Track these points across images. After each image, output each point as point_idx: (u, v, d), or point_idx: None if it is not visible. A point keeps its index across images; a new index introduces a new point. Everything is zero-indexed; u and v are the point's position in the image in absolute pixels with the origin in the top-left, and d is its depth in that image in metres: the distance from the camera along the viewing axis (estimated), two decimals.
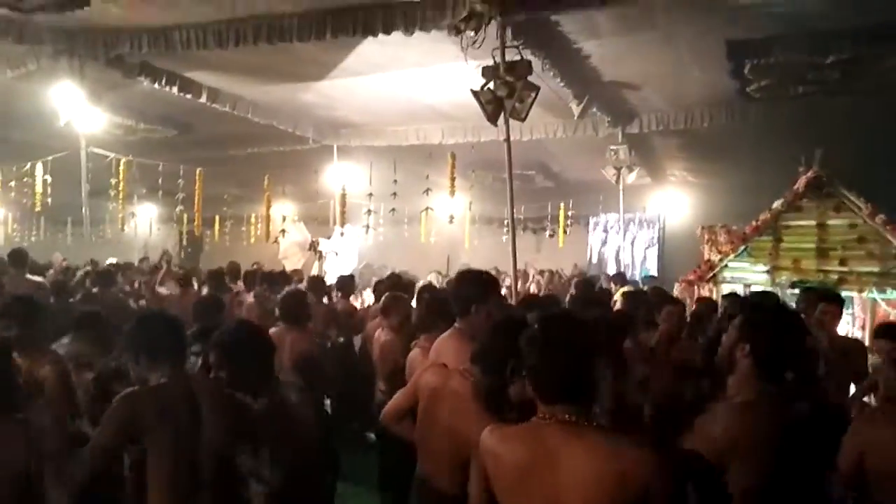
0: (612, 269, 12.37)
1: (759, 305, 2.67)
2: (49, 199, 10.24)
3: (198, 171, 10.68)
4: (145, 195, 13.23)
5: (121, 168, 9.82)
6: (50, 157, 9.80)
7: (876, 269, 6.86)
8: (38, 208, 10.45)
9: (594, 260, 13.51)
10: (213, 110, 8.61)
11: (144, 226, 15.13)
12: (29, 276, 6.36)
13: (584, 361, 1.74)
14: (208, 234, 14.83)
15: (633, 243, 12.94)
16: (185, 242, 16.01)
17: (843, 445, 2.63)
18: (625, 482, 1.61)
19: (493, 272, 10.69)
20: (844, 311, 6.82)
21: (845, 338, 5.03)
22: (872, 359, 4.54)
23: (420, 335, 3.81)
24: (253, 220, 14.58)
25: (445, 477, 2.52)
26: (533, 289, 10.11)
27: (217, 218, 14.31)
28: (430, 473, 2.65)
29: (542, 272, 11.26)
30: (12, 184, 11.01)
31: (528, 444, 1.73)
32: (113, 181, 9.86)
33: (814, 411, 2.94)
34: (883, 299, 6.82)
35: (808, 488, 2.58)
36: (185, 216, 12.15)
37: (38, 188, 10.11)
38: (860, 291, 6.90)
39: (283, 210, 13.63)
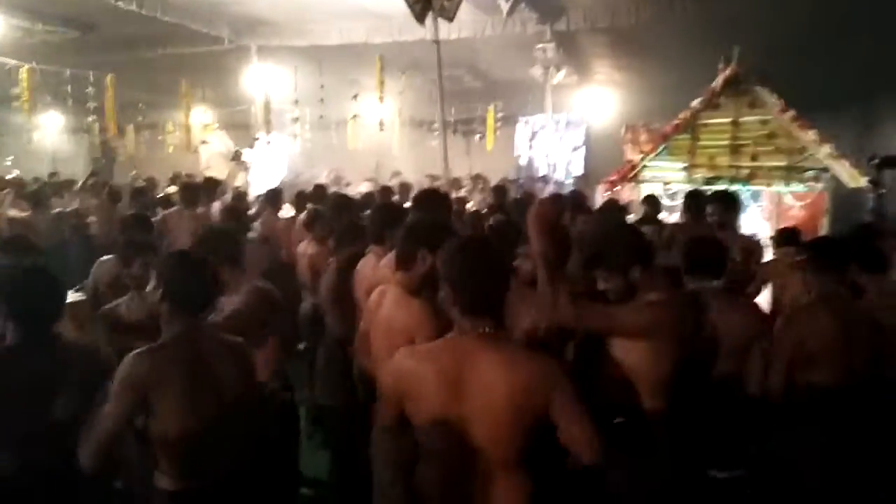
0: (542, 171, 12.61)
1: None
2: None
3: (108, 77, 9.98)
4: (51, 104, 12.31)
5: (22, 76, 9.07)
6: None
7: (783, 164, 7.29)
8: None
9: (523, 162, 13.66)
10: (118, 9, 7.98)
11: (52, 137, 14.19)
12: None
13: (500, 277, 1.94)
14: (123, 145, 14.07)
15: (560, 143, 13.11)
16: (97, 154, 15.15)
17: (782, 337, 2.94)
18: (532, 388, 1.81)
19: (428, 180, 10.78)
20: (757, 203, 7.36)
21: (744, 237, 5.21)
22: None
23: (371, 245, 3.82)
24: (170, 127, 13.87)
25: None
26: (463, 193, 10.24)
27: (131, 127, 13.54)
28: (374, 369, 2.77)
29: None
30: None
31: (447, 357, 1.88)
32: (15, 90, 9.13)
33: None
34: (788, 192, 7.31)
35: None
36: (97, 126, 11.45)
37: None
38: (768, 185, 7.36)
39: (203, 116, 13.02)
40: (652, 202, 6.26)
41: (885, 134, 10.33)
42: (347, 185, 10.89)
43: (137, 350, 2.15)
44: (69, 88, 10.05)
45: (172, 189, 8.79)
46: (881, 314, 3.01)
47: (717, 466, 3.05)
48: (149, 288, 2.28)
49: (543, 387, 1.82)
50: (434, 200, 3.75)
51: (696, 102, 7.62)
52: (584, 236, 3.00)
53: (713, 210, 4.89)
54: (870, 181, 6.44)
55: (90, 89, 10.14)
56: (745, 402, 3.08)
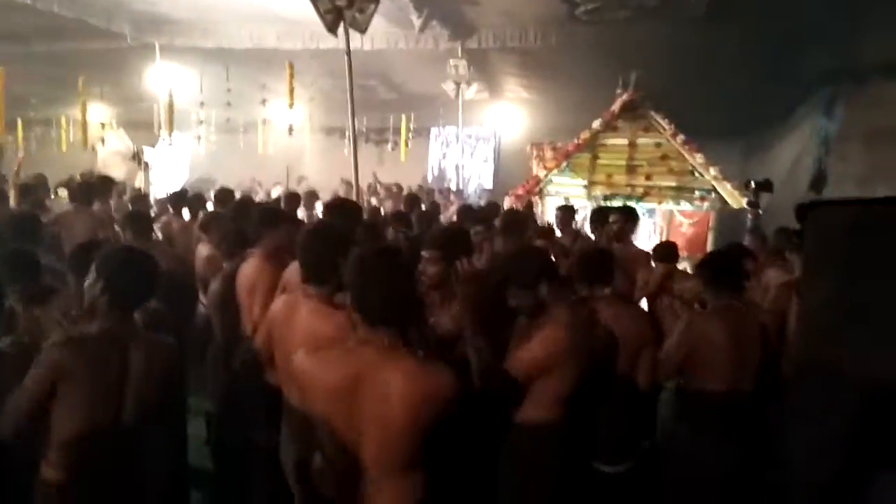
0: (453, 182, 12.83)
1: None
2: None
3: None
4: None
5: None
6: None
7: (674, 184, 7.82)
8: None
9: (435, 173, 13.85)
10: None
11: None
12: None
13: (402, 288, 1.96)
14: (10, 140, 13.12)
15: (471, 157, 13.41)
16: None
17: (678, 340, 3.20)
18: (427, 401, 1.85)
19: (343, 185, 10.74)
20: (651, 219, 7.83)
21: (637, 248, 5.42)
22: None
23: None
24: (65, 123, 13.08)
25: None
26: (374, 202, 10.28)
27: (20, 122, 12.65)
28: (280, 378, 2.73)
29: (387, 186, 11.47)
30: None
31: (344, 367, 1.89)
32: None
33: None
34: (678, 210, 7.83)
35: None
36: None
37: None
38: (660, 203, 7.85)
39: (100, 114, 12.36)
40: (569, 212, 6.30)
41: (763, 160, 11.26)
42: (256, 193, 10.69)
43: (62, 337, 2.19)
44: None
45: (63, 193, 8.30)
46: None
47: (605, 461, 3.27)
48: (87, 282, 2.25)
49: (437, 400, 1.86)
50: (345, 210, 3.83)
51: (596, 123, 8.04)
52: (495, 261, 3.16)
53: (615, 219, 5.18)
54: (749, 203, 6.99)
55: None
56: (635, 401, 3.32)
